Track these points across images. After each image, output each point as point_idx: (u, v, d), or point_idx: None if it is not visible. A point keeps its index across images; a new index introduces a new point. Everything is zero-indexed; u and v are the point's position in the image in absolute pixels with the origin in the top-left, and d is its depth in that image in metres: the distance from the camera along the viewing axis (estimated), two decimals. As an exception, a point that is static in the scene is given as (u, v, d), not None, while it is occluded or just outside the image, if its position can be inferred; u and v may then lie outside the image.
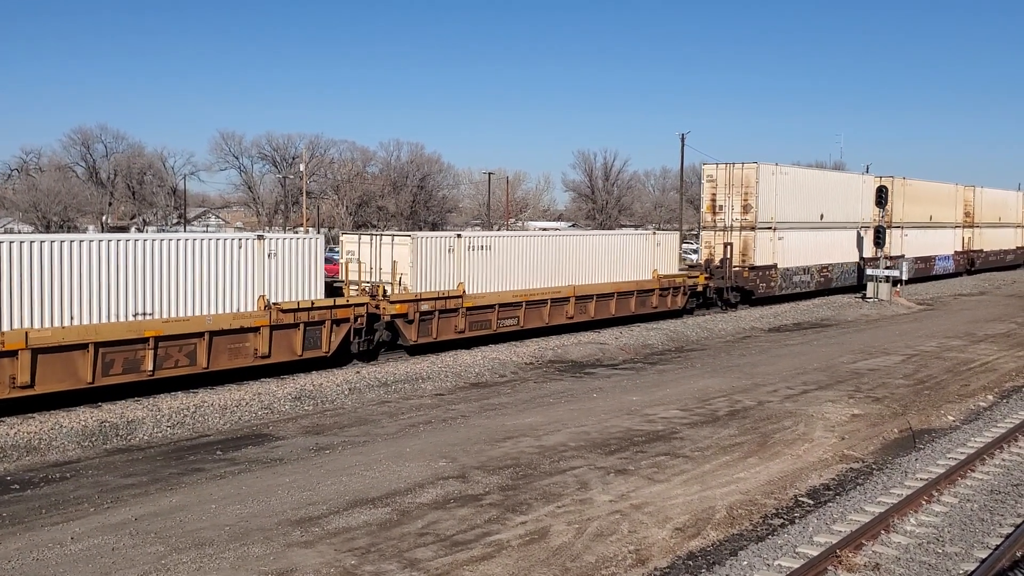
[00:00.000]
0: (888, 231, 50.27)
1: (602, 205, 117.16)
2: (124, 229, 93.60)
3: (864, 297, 46.91)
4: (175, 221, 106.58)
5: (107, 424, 18.51)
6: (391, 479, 15.28)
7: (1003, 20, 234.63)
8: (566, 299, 32.33)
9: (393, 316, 26.63)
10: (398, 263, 27.51)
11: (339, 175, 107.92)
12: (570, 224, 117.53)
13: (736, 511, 13.90)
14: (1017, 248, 77.90)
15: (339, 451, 17.25)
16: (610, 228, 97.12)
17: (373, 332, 26.39)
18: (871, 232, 51.59)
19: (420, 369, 25.23)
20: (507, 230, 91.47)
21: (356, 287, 27.51)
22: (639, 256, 36.19)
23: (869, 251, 51.48)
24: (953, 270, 64.19)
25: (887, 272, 46.85)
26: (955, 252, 64.62)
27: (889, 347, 31.52)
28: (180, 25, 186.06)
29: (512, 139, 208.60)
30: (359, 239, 29.02)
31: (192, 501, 14.11)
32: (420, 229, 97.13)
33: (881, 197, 49.81)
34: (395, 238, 28.01)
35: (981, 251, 69.40)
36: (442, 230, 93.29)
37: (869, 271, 47.98)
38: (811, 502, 14.48)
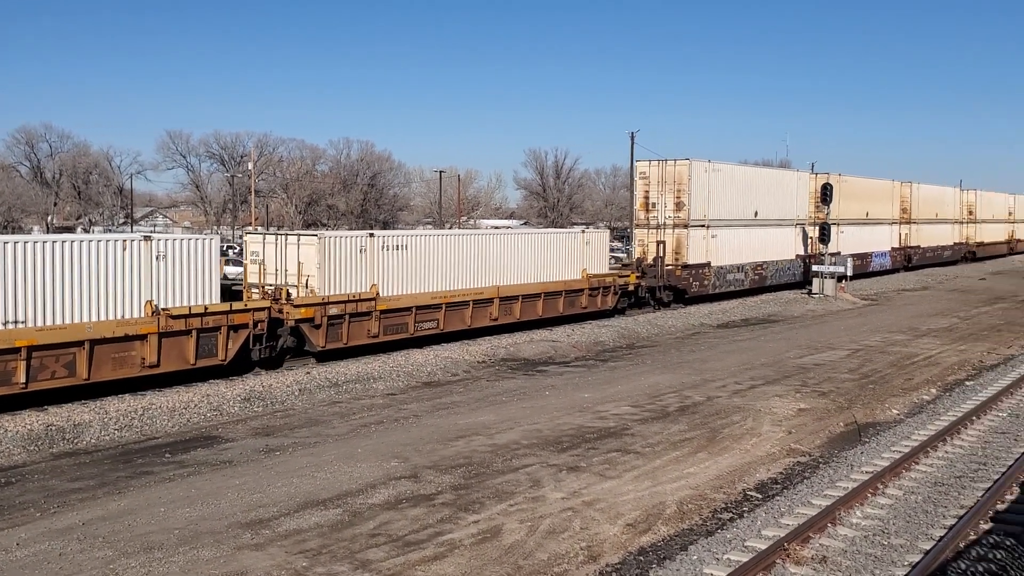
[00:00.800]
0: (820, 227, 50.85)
1: (554, 203, 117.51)
2: (70, 229, 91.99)
3: (810, 293, 47.54)
4: (122, 221, 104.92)
5: (53, 428, 18.17)
6: (342, 480, 15.19)
7: (940, 18, 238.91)
8: (489, 300, 31.12)
9: (298, 321, 25.12)
10: (304, 264, 26.11)
11: (288, 174, 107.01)
12: (522, 222, 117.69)
13: (686, 506, 14.02)
14: (955, 244, 78.30)
15: (289, 452, 17.11)
16: (562, 226, 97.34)
17: (276, 338, 25.06)
18: (807, 229, 52.08)
19: (371, 369, 25.10)
20: (459, 228, 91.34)
21: (259, 290, 26.21)
22: (568, 255, 35.28)
23: (804, 248, 51.92)
24: (890, 266, 64.45)
25: (833, 268, 47.53)
26: (892, 248, 64.84)
27: (835, 342, 31.98)
28: (127, 23, 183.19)
29: (464, 137, 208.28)
30: (264, 239, 27.53)
31: (141, 505, 13.90)
32: (372, 227, 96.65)
33: (826, 194, 50.21)
34: (301, 238, 26.61)
35: (918, 247, 69.73)
36: (394, 228, 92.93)
37: (815, 267, 48.61)
38: (759, 496, 14.65)
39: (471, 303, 30.42)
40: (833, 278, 47.26)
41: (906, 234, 67.76)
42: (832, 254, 49.46)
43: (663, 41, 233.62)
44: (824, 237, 49.40)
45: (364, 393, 22.83)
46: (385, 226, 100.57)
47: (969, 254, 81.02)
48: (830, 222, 50.56)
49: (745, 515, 13.58)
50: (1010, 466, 15.69)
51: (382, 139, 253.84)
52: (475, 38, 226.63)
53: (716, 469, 16.04)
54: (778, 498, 14.35)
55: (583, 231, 37.43)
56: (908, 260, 67.95)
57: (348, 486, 14.85)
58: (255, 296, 25.89)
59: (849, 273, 48.56)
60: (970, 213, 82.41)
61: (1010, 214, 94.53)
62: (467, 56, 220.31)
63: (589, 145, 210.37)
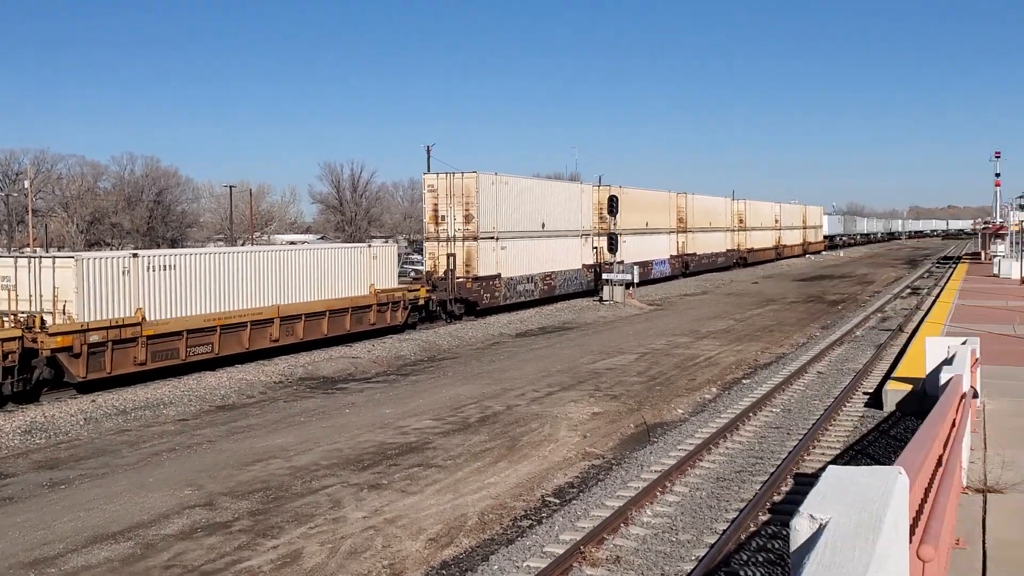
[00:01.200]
0: (608, 237, 52.74)
1: (351, 217, 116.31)
2: None
3: (601, 300, 49.25)
4: None
5: None
6: (134, 511, 14.44)
7: (707, 39, 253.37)
8: (269, 321, 29.61)
9: (55, 350, 23.18)
10: (60, 289, 24.15)
11: (68, 191, 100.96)
12: (319, 236, 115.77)
13: (487, 516, 14.16)
14: (728, 251, 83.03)
15: (76, 485, 16.11)
16: (360, 240, 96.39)
17: (31, 370, 23.18)
18: (592, 239, 53.64)
19: (161, 394, 23.99)
20: (252, 244, 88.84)
21: (10, 318, 23.80)
22: (354, 271, 34.28)
23: (591, 258, 53.51)
24: (669, 273, 67.37)
25: (621, 276, 49.47)
26: (671, 256, 67.90)
27: (624, 346, 33.19)
28: None
29: (255, 151, 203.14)
30: (15, 263, 25.08)
31: (-98, 555, 12.71)
32: (159, 246, 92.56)
33: (612, 206, 52.39)
34: (56, 261, 24.67)
35: (695, 254, 73.44)
36: (182, 246, 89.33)
37: (605, 275, 50.41)
38: (557, 501, 14.99)
39: (249, 324, 28.75)
40: (622, 285, 49.16)
41: (683, 242, 71.08)
42: (616, 263, 51.40)
43: (460, 55, 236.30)
44: (612, 246, 51.41)
45: (154, 420, 21.78)
46: (173, 244, 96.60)
47: (741, 260, 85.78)
48: (616, 232, 52.49)
49: (544, 521, 13.85)
50: (784, 459, 16.74)
51: (168, 154, 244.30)
52: (266, 49, 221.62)
53: (516, 477, 16.29)
54: (575, 502, 14.73)
55: (369, 245, 36.63)
56: (686, 267, 71.24)
57: (140, 517, 14.12)
58: (6, 325, 23.52)
59: (636, 280, 50.67)
60: (741, 221, 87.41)
61: (776, 222, 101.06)
62: (257, 67, 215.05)
63: (388, 158, 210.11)
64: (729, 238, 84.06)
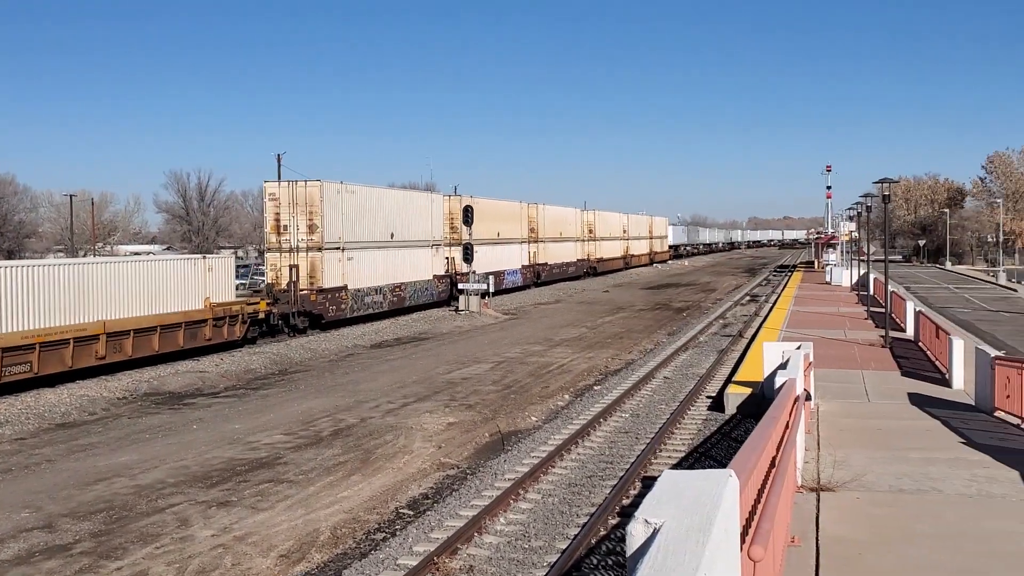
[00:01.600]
0: (460, 248, 52.91)
1: (198, 227, 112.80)
2: None
3: (457, 310, 49.38)
4: None
5: None
6: (-38, 540, 13.59)
7: (562, 53, 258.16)
8: (95, 337, 27.79)
9: None
10: None
11: None
12: (164, 247, 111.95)
13: (340, 530, 13.98)
14: (578, 260, 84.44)
15: None
16: (208, 250, 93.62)
17: None
18: (443, 249, 53.41)
19: (-5, 413, 22.68)
20: (94, 255, 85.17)
21: None
22: (188, 283, 32.63)
23: (442, 268, 53.05)
24: (521, 283, 68.08)
25: (477, 286, 49.75)
26: (522, 266, 68.57)
27: (480, 356, 33.38)
28: None
29: (97, 158, 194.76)
30: None
31: None
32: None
33: (467, 216, 52.65)
34: None
35: (546, 264, 74.49)
36: (19, 258, 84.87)
37: (461, 285, 50.57)
38: (411, 513, 14.93)
39: (72, 341, 26.86)
40: (478, 295, 49.44)
41: (535, 252, 71.88)
42: (471, 273, 51.67)
43: (317, 63, 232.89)
44: (468, 256, 51.67)
45: (-13, 441, 20.57)
46: (10, 255, 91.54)
47: (591, 269, 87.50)
48: (472, 242, 52.72)
49: (398, 533, 13.78)
50: (633, 463, 17.18)
51: (4, 162, 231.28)
52: (110, 53, 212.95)
53: (370, 490, 16.15)
54: (429, 513, 14.71)
55: (204, 257, 35.36)
56: (537, 276, 72.02)
57: (-32, 547, 13.31)
58: None
59: (492, 290, 51.05)
60: (591, 232, 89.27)
61: (625, 232, 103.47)
62: (100, 70, 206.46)
63: (238, 166, 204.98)
64: (580, 248, 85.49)
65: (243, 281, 45.29)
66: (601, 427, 20.78)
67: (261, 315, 36.53)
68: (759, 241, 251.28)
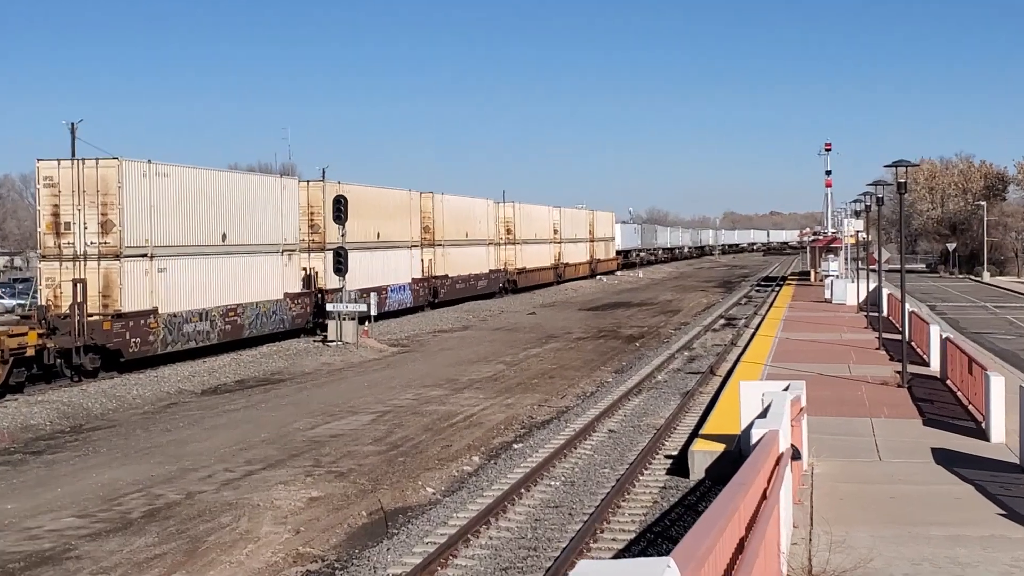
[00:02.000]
0: (324, 254, 52.42)
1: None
2: None
3: (325, 341, 48.88)
4: None
5: None
6: None
7: (470, 21, 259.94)
8: None
9: None
10: None
11: None
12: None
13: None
14: (491, 272, 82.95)
15: None
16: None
17: None
18: (302, 256, 52.58)
19: None
20: None
21: None
22: None
23: (297, 283, 51.67)
24: (412, 303, 65.96)
25: (353, 307, 49.08)
26: (413, 280, 66.44)
27: (357, 404, 33.17)
28: None
29: None
30: None
31: None
32: None
33: (339, 210, 51.05)
34: None
35: (446, 277, 72.65)
36: None
37: (331, 306, 49.86)
38: (256, 625, 14.71)
39: None
40: (354, 320, 48.90)
41: (430, 260, 70.60)
42: (334, 290, 50.76)
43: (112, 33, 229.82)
44: (341, 266, 50.48)
45: None
46: None
47: (509, 283, 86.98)
48: (327, 247, 51.69)
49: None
50: (564, 549, 17.20)
51: None
52: None
53: (198, 594, 15.87)
54: (281, 625, 14.51)
55: None
56: (434, 295, 70.40)
57: None
58: None
59: (374, 312, 50.51)
60: (509, 232, 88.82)
61: (556, 232, 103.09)
62: None
63: (16, 142, 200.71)
64: (494, 254, 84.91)
65: (21, 301, 43.72)
66: (523, 500, 20.78)
67: (30, 351, 34.60)
68: (738, 245, 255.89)
